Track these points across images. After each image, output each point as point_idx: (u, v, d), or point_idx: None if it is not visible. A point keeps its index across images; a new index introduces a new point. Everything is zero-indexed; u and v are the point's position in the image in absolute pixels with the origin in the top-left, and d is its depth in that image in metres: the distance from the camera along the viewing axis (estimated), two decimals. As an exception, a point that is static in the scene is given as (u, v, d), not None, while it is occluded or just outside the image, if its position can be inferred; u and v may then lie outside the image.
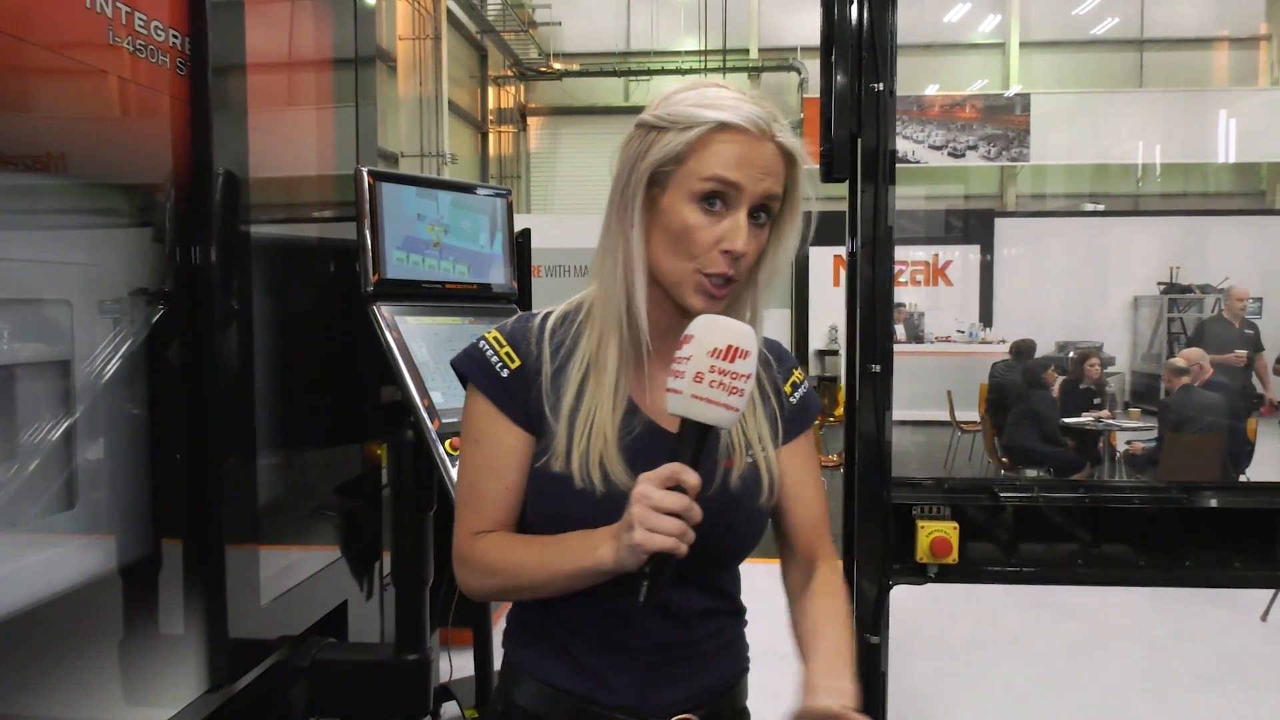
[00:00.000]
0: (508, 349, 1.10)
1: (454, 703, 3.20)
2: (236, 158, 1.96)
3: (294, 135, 2.39)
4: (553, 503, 1.07)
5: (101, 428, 1.70)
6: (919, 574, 1.77)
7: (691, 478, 0.92)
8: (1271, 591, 4.52)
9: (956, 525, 1.73)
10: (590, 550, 0.99)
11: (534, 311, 1.15)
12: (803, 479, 1.16)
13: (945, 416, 8.05)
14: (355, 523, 2.55)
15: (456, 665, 3.36)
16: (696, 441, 0.94)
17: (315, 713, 2.31)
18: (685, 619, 1.10)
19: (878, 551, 1.74)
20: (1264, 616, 4.50)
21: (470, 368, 1.11)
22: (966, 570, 1.76)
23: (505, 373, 1.09)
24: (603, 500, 1.02)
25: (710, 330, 0.95)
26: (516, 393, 1.08)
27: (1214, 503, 1.88)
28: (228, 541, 1.87)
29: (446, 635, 3.54)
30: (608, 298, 1.07)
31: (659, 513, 0.91)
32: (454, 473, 2.08)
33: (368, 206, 2.26)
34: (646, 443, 1.06)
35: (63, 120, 1.62)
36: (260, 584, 2.00)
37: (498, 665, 3.31)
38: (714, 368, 0.92)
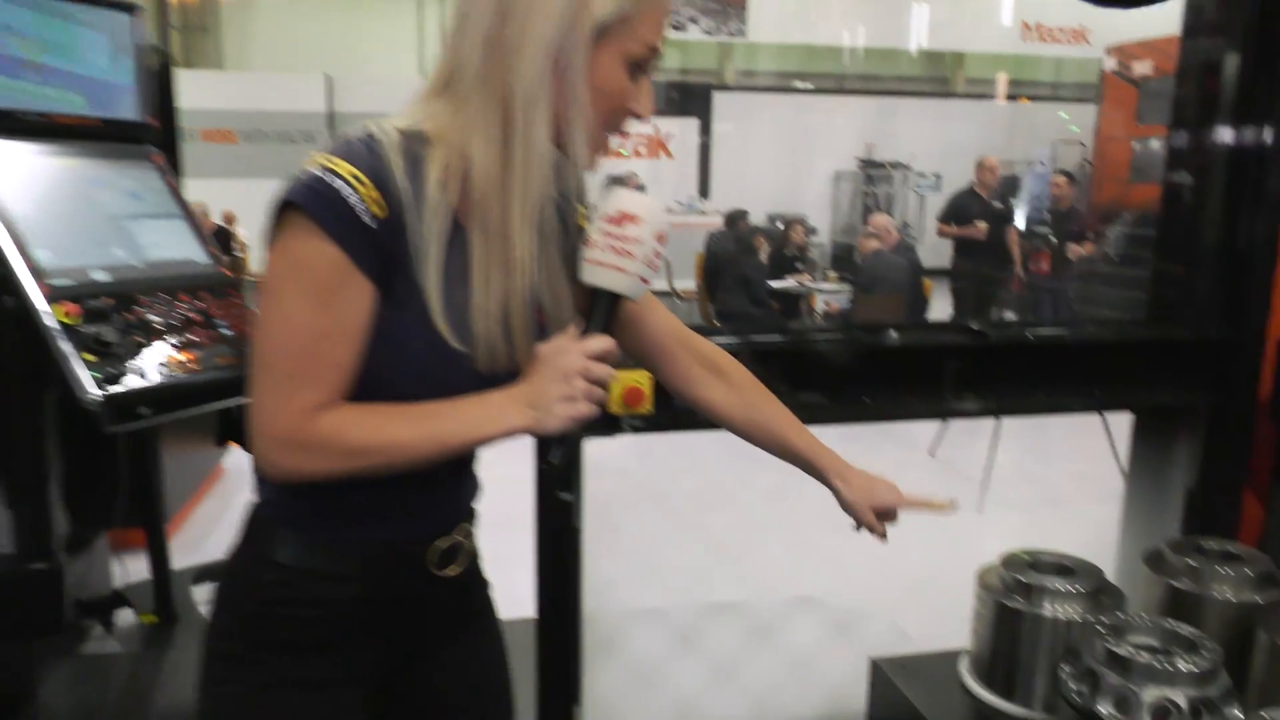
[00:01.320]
0: (374, 192, 0.92)
1: (129, 609, 2.88)
2: None
3: None
4: (434, 378, 0.98)
5: None
6: (612, 426, 1.68)
7: (617, 351, 1.00)
8: (938, 429, 5.10)
9: (650, 374, 1.64)
10: (497, 418, 0.97)
11: (366, 137, 0.96)
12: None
13: (665, 286, 8.26)
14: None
15: (130, 569, 3.03)
16: (612, 312, 1.01)
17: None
18: (469, 452, 1.12)
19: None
20: (932, 452, 5.07)
21: (322, 210, 0.91)
22: (662, 420, 1.69)
23: (373, 222, 0.92)
24: (492, 376, 1.00)
25: (654, 215, 1.01)
26: (379, 246, 0.93)
27: (893, 339, 1.94)
28: None
29: (115, 538, 3.15)
30: (513, 155, 0.97)
31: (595, 384, 0.96)
32: (67, 346, 1.72)
33: (-76, 8, 1.75)
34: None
35: None
36: None
37: (175, 564, 2.97)
38: (656, 251, 1.00)
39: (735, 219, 7.46)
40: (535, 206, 0.99)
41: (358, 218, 0.92)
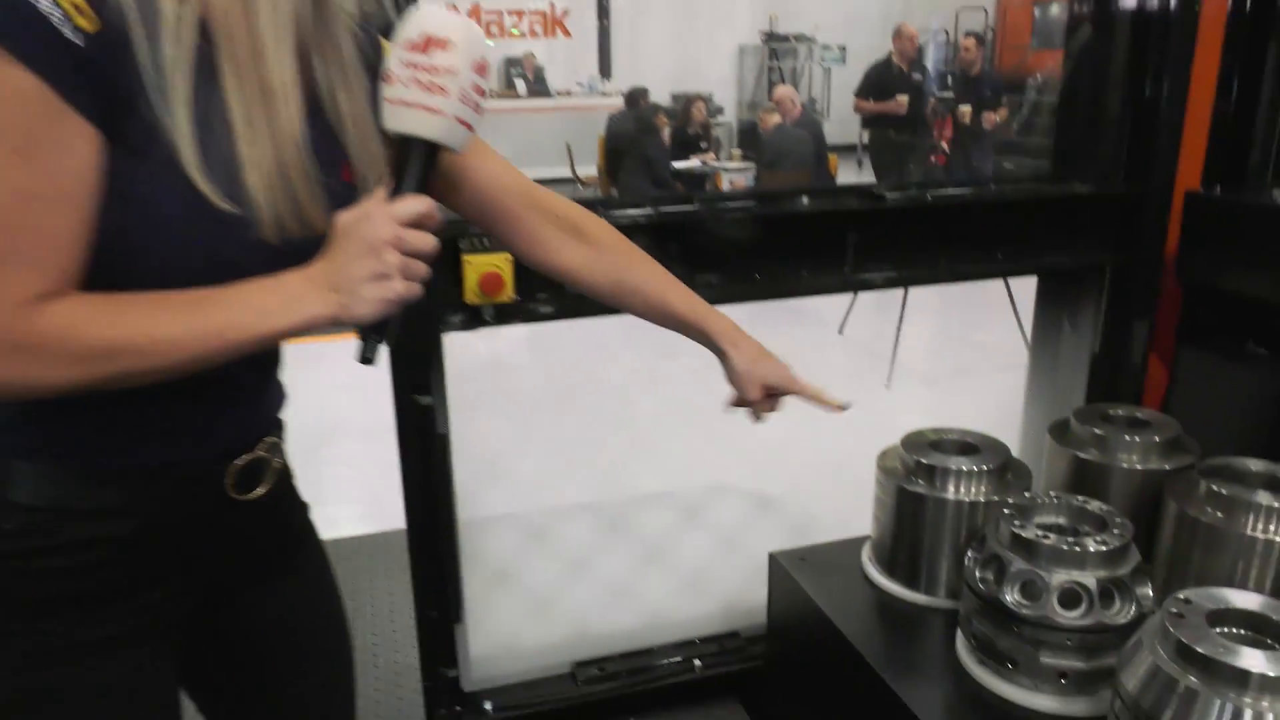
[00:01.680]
0: None
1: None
2: None
3: None
4: (203, 250, 0.78)
5: None
6: (472, 319, 1.49)
7: (438, 215, 0.81)
8: (846, 305, 5.04)
9: (510, 257, 1.44)
10: (290, 306, 0.78)
11: None
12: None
13: (568, 173, 7.92)
14: None
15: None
16: (428, 167, 0.82)
17: None
18: (271, 355, 0.96)
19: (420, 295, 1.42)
20: (840, 329, 5.02)
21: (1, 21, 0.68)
22: (526, 309, 1.51)
23: (79, 38, 0.69)
24: (288, 247, 0.81)
25: (469, 38, 0.80)
26: (95, 73, 0.71)
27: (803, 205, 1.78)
28: None
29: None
30: None
31: (411, 257, 0.78)
32: None
33: None
34: (323, 153, 0.83)
35: None
36: None
37: None
38: (475, 85, 0.81)
39: (635, 98, 7.12)
40: (289, 19, 0.77)
41: (56, 32, 0.68)
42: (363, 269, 0.77)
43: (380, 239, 0.77)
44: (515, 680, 1.79)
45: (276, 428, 0.98)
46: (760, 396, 1.11)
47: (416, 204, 0.79)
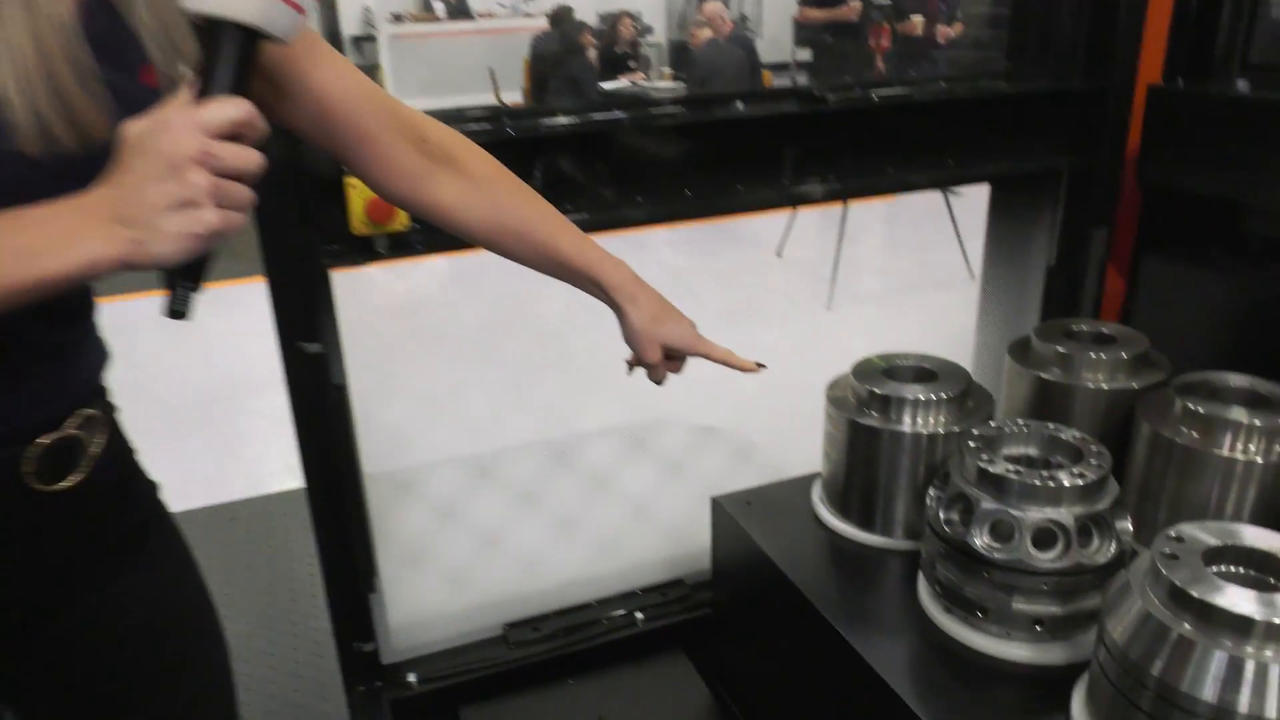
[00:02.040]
0: None
1: None
2: None
3: None
4: None
5: None
6: (361, 251, 1.29)
7: (261, 123, 0.64)
8: (784, 226, 4.90)
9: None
10: (60, 246, 0.59)
11: None
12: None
13: (493, 99, 7.58)
14: None
15: None
16: (245, 61, 0.65)
17: None
18: (77, 308, 0.77)
19: (296, 226, 1.22)
20: (779, 251, 4.88)
21: None
22: (426, 239, 1.31)
23: None
24: (58, 162, 0.63)
25: None
26: None
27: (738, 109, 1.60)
28: None
29: None
30: None
31: (229, 179, 0.61)
32: None
33: None
34: (109, 46, 0.66)
35: None
36: None
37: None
38: None
39: (560, 17, 6.79)
40: None
41: None
42: (160, 195, 0.59)
43: (182, 154, 0.59)
44: (442, 648, 1.64)
45: (94, 397, 0.79)
46: (659, 359, 0.96)
47: (230, 108, 0.62)
